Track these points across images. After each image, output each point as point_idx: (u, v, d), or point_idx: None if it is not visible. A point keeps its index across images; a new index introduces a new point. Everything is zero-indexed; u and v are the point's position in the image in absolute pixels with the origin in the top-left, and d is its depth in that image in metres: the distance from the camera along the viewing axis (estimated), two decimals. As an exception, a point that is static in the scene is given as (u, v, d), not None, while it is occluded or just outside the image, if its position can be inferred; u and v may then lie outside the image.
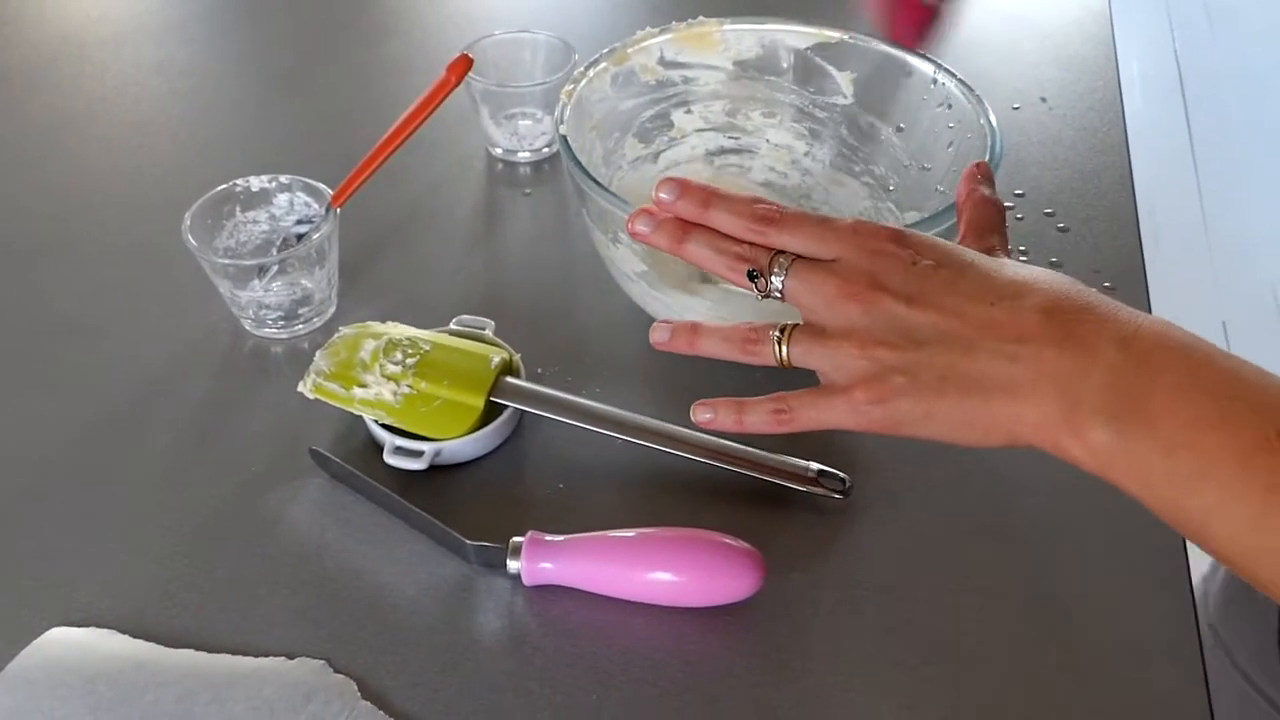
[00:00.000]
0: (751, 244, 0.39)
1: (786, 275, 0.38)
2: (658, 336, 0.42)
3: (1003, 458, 0.51)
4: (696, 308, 0.51)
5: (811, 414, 0.39)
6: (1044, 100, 0.75)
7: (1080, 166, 0.69)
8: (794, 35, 0.60)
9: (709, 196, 0.39)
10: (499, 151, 0.71)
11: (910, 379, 0.36)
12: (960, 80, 0.56)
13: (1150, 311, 0.58)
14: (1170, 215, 1.83)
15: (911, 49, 0.58)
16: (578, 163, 0.50)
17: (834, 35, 0.60)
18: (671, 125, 0.62)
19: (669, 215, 0.40)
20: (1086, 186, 0.67)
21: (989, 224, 0.41)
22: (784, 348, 0.39)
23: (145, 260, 0.62)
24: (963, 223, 0.42)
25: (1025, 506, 0.50)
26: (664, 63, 0.60)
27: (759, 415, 0.40)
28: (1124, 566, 0.47)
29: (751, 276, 0.39)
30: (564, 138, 0.52)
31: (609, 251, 0.53)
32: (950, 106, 0.56)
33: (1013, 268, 0.37)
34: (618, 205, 0.48)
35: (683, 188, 0.39)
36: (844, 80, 0.60)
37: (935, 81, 0.57)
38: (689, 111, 0.62)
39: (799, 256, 0.38)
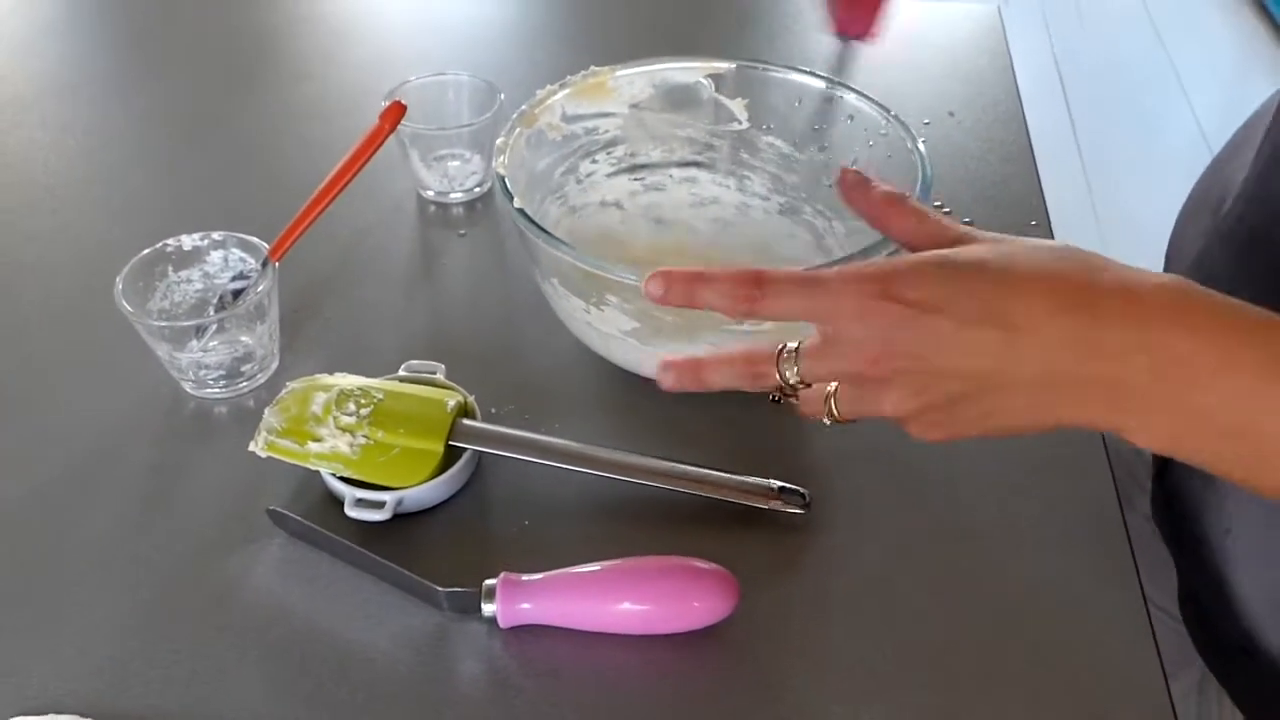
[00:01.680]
0: (755, 361, 0.40)
1: (798, 367, 0.39)
2: (667, 381, 0.41)
3: (958, 460, 0.54)
4: (696, 353, 0.52)
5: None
6: (951, 114, 0.78)
7: (991, 176, 0.73)
8: (682, 71, 0.62)
9: (692, 284, 0.38)
10: (430, 194, 0.71)
11: (950, 417, 0.37)
12: (871, 99, 0.58)
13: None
14: (1065, 209, 1.93)
15: (814, 72, 0.60)
16: (549, 234, 0.49)
17: (721, 66, 0.62)
18: (580, 178, 0.63)
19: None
20: (1000, 194, 0.71)
21: (918, 224, 0.40)
22: (834, 404, 0.40)
23: (73, 328, 0.60)
24: (895, 236, 0.42)
25: (983, 507, 0.52)
26: (565, 118, 0.61)
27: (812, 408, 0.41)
28: (1080, 561, 0.49)
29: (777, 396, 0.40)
30: (522, 211, 0.51)
31: (589, 316, 0.52)
32: (852, 119, 0.59)
33: (1008, 271, 0.35)
34: (607, 271, 0.48)
35: (667, 280, 0.39)
36: (738, 107, 0.63)
37: (840, 99, 0.59)
38: (594, 161, 0.63)
39: (800, 346, 0.39)
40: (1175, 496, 0.54)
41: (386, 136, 0.58)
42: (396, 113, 0.59)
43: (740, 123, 0.63)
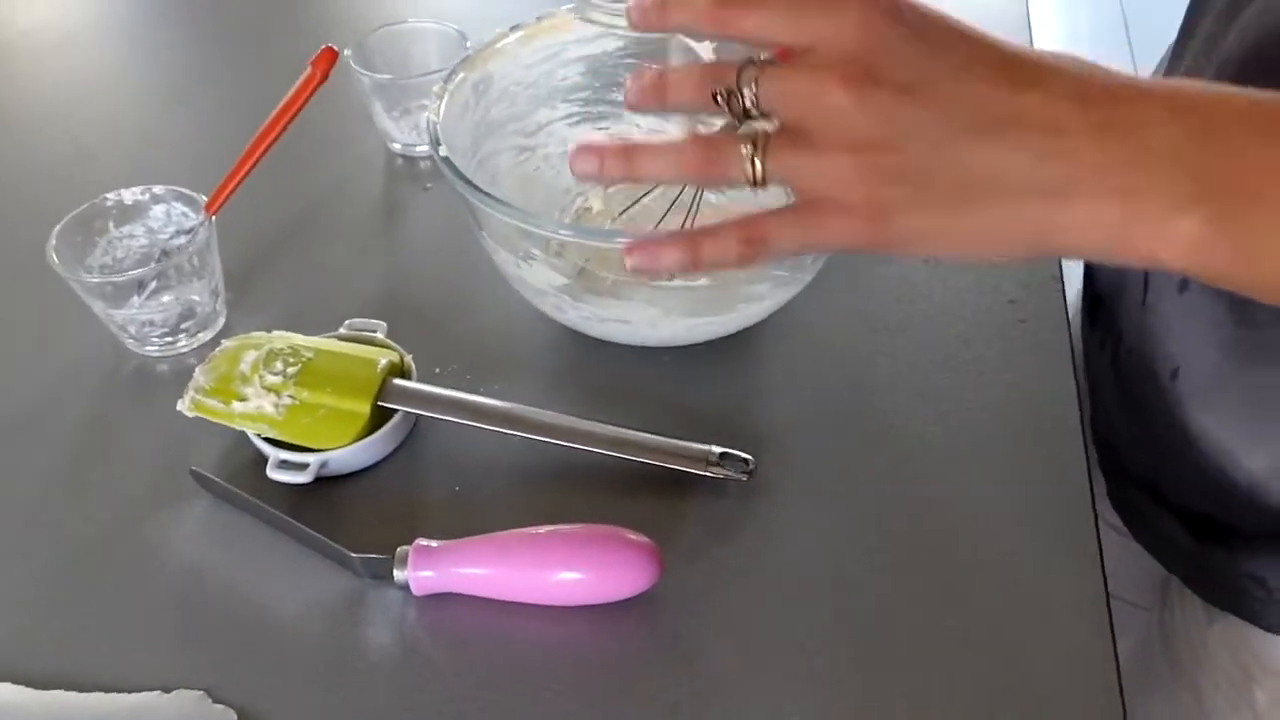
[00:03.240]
0: (717, 74, 0.32)
1: (758, 84, 0.31)
2: (584, 167, 0.34)
3: (918, 431, 0.50)
4: (630, 314, 0.49)
5: (794, 237, 0.32)
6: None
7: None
8: None
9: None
10: (398, 147, 0.69)
11: (919, 189, 0.30)
12: None
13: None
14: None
15: None
16: (473, 185, 0.47)
17: None
18: (539, 125, 0.60)
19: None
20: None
21: None
22: (758, 162, 0.31)
23: (17, 284, 0.60)
24: None
25: (937, 481, 0.48)
26: (520, 64, 0.57)
27: (722, 246, 0.33)
28: (1030, 531, 0.46)
29: (726, 100, 0.32)
30: (447, 160, 0.48)
31: (519, 270, 0.50)
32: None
33: (1024, 48, 0.30)
34: (530, 223, 0.45)
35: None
36: (704, 51, 0.58)
37: None
38: (553, 108, 0.60)
39: (768, 63, 0.31)
40: (1116, 357, 0.49)
41: (319, 83, 0.56)
42: (328, 58, 0.56)
43: None
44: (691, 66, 0.33)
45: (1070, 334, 0.53)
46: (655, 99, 0.34)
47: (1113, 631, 0.41)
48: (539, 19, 0.57)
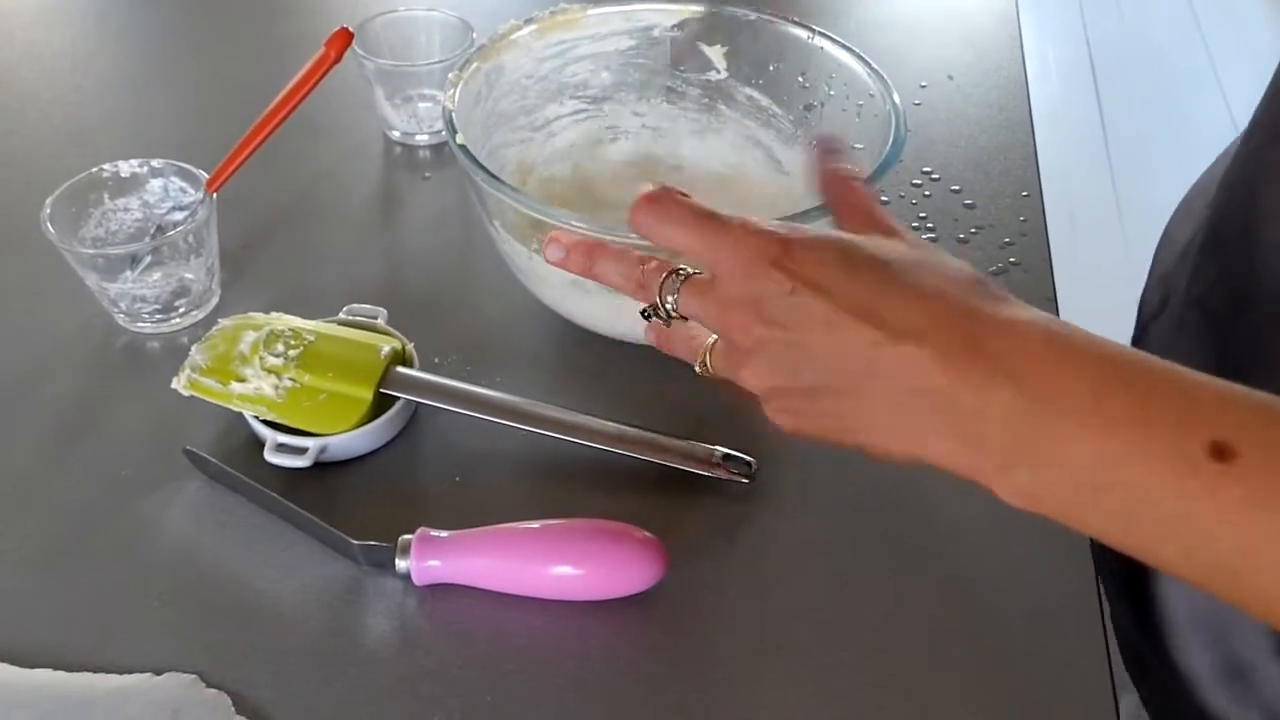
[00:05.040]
0: (644, 268, 0.38)
1: (678, 296, 0.37)
2: (552, 255, 0.40)
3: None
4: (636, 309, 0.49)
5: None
6: (951, 78, 0.74)
7: (986, 144, 0.69)
8: (657, 14, 0.58)
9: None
10: (396, 135, 0.68)
11: (806, 416, 0.36)
12: (858, 55, 0.55)
13: (1057, 291, 0.59)
14: (1084, 195, 1.88)
15: (797, 20, 0.57)
16: (491, 175, 0.46)
17: (699, 9, 0.58)
18: (544, 121, 0.60)
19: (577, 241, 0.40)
20: (992, 163, 0.67)
21: (857, 204, 0.39)
22: (708, 356, 0.39)
23: (8, 253, 0.58)
24: (834, 209, 0.40)
25: (937, 488, 0.49)
26: (532, 57, 0.57)
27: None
28: (1028, 538, 0.47)
29: (652, 304, 0.38)
30: (464, 148, 0.48)
31: (530, 263, 0.50)
32: (833, 75, 0.55)
33: (905, 276, 0.33)
34: (547, 215, 0.44)
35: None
36: (716, 55, 0.59)
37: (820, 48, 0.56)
38: (561, 104, 0.60)
39: (690, 275, 0.37)
40: None
41: (332, 64, 0.56)
42: (342, 39, 0.56)
43: (719, 72, 0.60)
44: (623, 252, 0.40)
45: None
46: (583, 262, 0.40)
47: (1106, 635, 0.42)
48: (552, 13, 0.57)
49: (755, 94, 0.59)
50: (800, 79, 0.57)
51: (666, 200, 0.36)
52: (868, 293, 0.33)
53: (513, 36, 0.56)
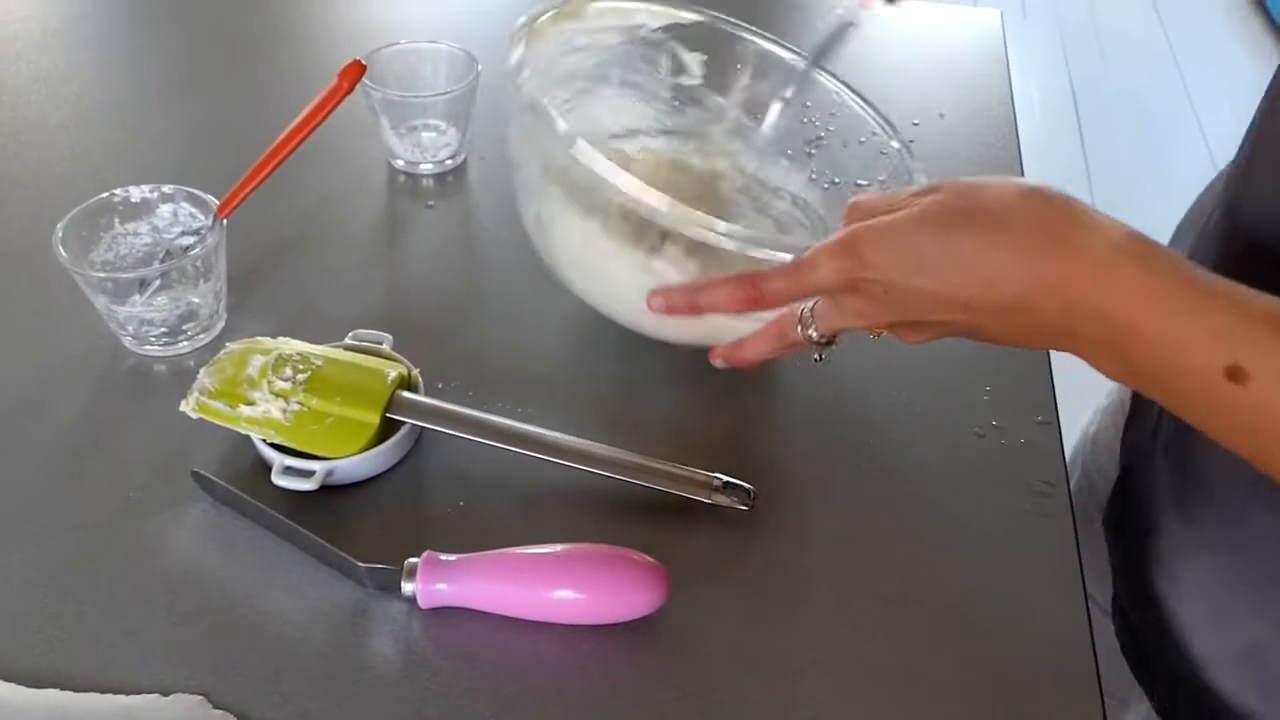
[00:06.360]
0: (779, 323, 0.44)
1: (815, 326, 0.43)
2: (655, 306, 0.44)
3: (915, 466, 0.52)
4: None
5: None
6: (942, 116, 0.76)
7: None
8: (646, 14, 0.60)
9: (693, 298, 0.43)
10: (401, 164, 0.69)
11: (934, 335, 0.41)
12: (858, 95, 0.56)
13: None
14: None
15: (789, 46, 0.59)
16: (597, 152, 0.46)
17: (687, 17, 0.60)
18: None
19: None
20: (983, 199, 0.69)
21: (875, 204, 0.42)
22: (813, 332, 0.43)
23: (18, 275, 0.59)
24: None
25: (934, 513, 0.50)
26: (547, 43, 0.57)
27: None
28: (1019, 565, 0.48)
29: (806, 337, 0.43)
30: (571, 135, 0.47)
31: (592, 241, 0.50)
32: (835, 115, 0.57)
33: (969, 248, 0.37)
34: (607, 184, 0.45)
35: (668, 295, 0.44)
36: (693, 61, 0.61)
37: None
38: (551, 94, 0.59)
39: (810, 309, 0.43)
40: (1128, 509, 0.53)
41: (344, 96, 0.57)
42: (355, 71, 0.57)
43: (691, 78, 0.61)
44: (769, 327, 0.45)
45: (1053, 385, 0.56)
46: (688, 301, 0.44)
47: (1095, 657, 0.43)
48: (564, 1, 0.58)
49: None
50: (813, 121, 0.59)
51: (757, 277, 0.41)
52: (942, 279, 0.37)
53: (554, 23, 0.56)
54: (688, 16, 0.60)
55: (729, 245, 0.44)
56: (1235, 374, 0.32)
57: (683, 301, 0.44)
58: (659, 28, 0.61)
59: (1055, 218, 0.36)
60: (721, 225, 0.44)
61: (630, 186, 0.45)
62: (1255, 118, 0.44)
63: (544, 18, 0.57)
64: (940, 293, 0.37)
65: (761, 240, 0.45)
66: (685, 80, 0.62)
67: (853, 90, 0.57)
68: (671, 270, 0.49)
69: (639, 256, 0.49)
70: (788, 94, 0.59)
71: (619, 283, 0.51)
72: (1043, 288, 0.35)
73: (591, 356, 0.55)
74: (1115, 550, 0.54)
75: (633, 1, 0.60)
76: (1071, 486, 0.52)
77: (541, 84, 0.58)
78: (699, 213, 0.45)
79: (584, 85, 0.62)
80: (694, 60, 0.61)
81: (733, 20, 0.61)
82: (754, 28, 0.60)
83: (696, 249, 0.47)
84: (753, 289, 0.41)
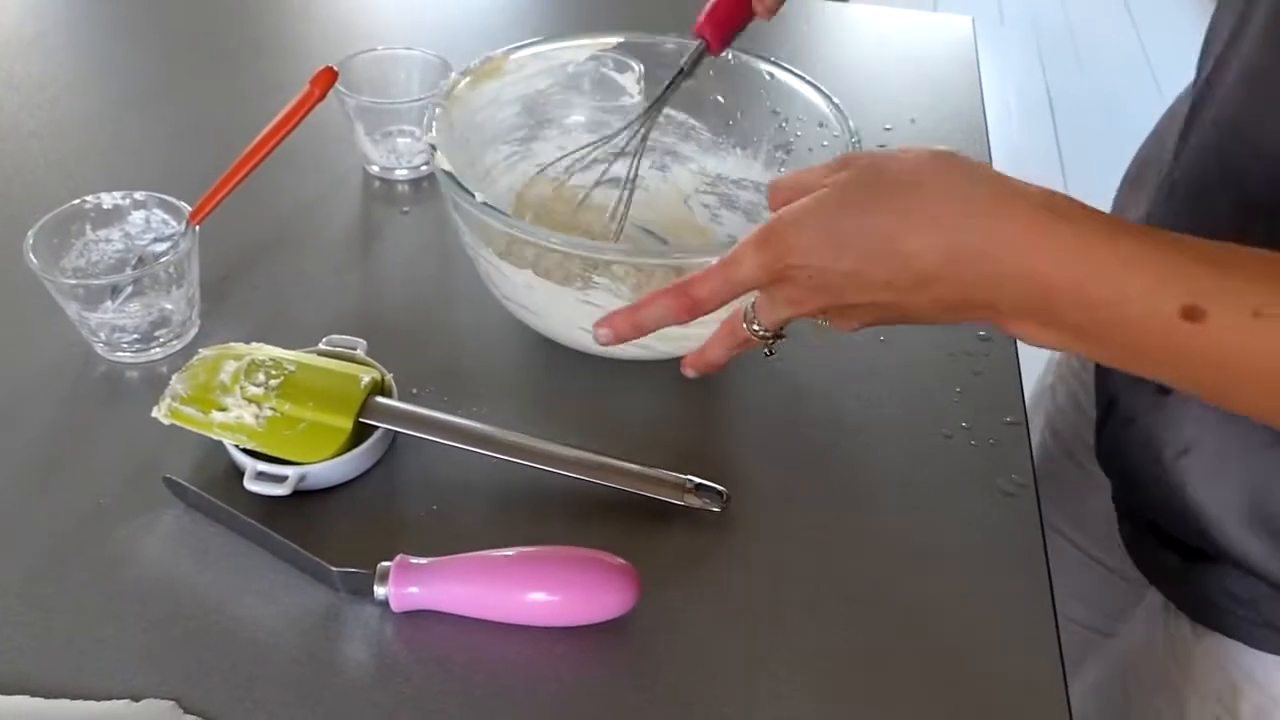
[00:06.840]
0: (729, 323, 0.44)
1: (757, 321, 0.42)
2: (604, 335, 0.44)
3: (887, 470, 0.52)
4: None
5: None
6: (913, 121, 0.77)
7: (948, 184, 0.71)
8: (573, 50, 0.61)
9: (634, 318, 0.43)
10: (376, 169, 0.70)
11: (864, 321, 0.41)
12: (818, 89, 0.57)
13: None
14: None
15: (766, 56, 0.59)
16: (502, 213, 0.48)
17: (609, 40, 0.61)
18: (486, 169, 0.61)
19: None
20: (954, 203, 0.70)
21: (794, 184, 0.42)
22: (758, 327, 0.43)
23: (-13, 283, 0.59)
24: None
25: (906, 518, 0.51)
26: (470, 109, 0.59)
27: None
28: (988, 568, 0.48)
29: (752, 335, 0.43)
30: (484, 199, 0.49)
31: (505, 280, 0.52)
32: (802, 119, 0.58)
33: (884, 223, 0.37)
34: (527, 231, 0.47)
35: (611, 323, 0.43)
36: (629, 81, 0.62)
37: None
38: (496, 149, 0.62)
39: (751, 306, 0.42)
40: (1124, 433, 0.53)
41: (316, 102, 0.57)
42: (327, 78, 0.57)
43: (631, 97, 0.62)
44: (721, 327, 0.45)
45: (1021, 386, 0.57)
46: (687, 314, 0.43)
47: (1062, 657, 0.44)
48: (480, 62, 0.59)
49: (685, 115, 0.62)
50: (779, 119, 0.60)
51: (688, 283, 0.41)
52: (873, 262, 0.37)
53: (454, 91, 0.57)
54: (609, 40, 0.61)
55: (619, 260, 0.45)
56: (1192, 313, 0.32)
57: (626, 325, 0.43)
58: (586, 60, 0.62)
59: (967, 184, 0.36)
60: (610, 246, 0.46)
61: (532, 234, 0.48)
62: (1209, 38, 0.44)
63: (461, 84, 0.58)
64: (862, 271, 0.37)
65: (646, 250, 0.46)
66: (627, 100, 0.62)
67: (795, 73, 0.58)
68: (611, 298, 0.50)
69: (575, 293, 0.50)
70: (683, 62, 0.59)
71: (569, 319, 0.52)
72: (960, 258, 0.35)
73: (564, 362, 0.56)
74: (1127, 477, 0.53)
75: (550, 44, 0.61)
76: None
77: (474, 146, 0.60)
78: (593, 240, 0.47)
79: (527, 133, 0.63)
80: (629, 80, 0.62)
81: (649, 35, 0.61)
82: (673, 36, 0.61)
83: (626, 273, 0.48)
84: (687, 297, 0.41)
